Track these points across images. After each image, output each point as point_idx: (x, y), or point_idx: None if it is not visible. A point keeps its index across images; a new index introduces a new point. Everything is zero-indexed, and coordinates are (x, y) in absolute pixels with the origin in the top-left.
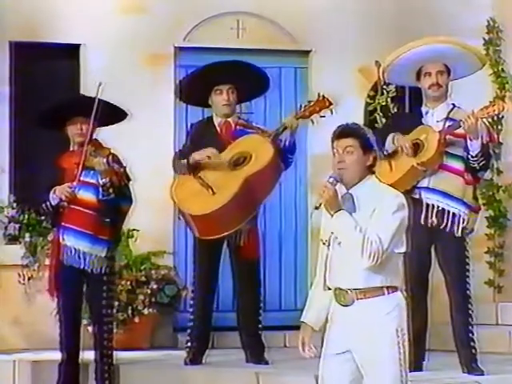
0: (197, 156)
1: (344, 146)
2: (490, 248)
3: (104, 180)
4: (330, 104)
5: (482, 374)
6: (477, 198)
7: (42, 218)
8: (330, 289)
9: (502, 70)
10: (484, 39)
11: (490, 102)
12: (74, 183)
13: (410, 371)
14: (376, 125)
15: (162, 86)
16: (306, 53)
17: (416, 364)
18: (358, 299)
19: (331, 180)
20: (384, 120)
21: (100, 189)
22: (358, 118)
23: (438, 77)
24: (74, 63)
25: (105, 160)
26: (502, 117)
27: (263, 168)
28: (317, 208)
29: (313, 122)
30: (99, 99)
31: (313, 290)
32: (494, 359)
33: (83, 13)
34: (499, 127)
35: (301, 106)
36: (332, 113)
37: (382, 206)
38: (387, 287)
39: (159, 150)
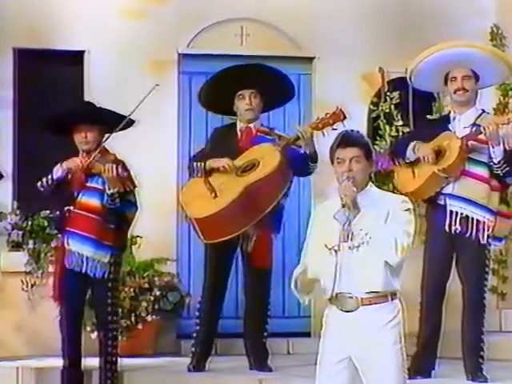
0: (212, 164)
1: (351, 155)
2: (494, 255)
3: (112, 190)
4: (345, 117)
5: (486, 382)
6: (508, 204)
7: (46, 224)
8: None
9: None
10: None
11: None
12: (86, 159)
13: (418, 377)
14: (380, 132)
15: (165, 92)
16: (310, 59)
17: (425, 370)
18: (362, 305)
19: (347, 180)
20: (387, 127)
21: (106, 197)
22: (362, 125)
23: (464, 82)
24: (77, 69)
25: (114, 167)
26: None
27: (266, 176)
28: (344, 206)
29: (324, 135)
30: (107, 109)
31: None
32: (497, 366)
33: (87, 19)
34: None
35: (318, 117)
36: (344, 126)
37: (394, 210)
38: (391, 293)
39: (162, 156)
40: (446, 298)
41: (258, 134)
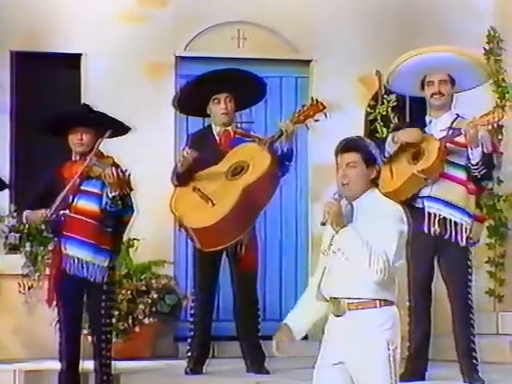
0: (180, 167)
1: (347, 161)
2: (491, 257)
3: (114, 193)
4: (324, 107)
5: None
6: (481, 208)
7: (43, 227)
8: (326, 300)
9: (503, 79)
10: (484, 49)
11: (490, 110)
12: (50, 211)
13: (413, 380)
14: (377, 134)
15: (162, 95)
16: (307, 62)
17: (418, 373)
18: (349, 309)
19: (336, 196)
20: (385, 129)
21: (107, 200)
22: (359, 128)
23: (441, 86)
24: (74, 72)
25: (114, 171)
26: (502, 126)
27: (261, 177)
28: (323, 224)
29: (308, 127)
30: (103, 113)
31: (304, 297)
32: (494, 369)
33: (84, 22)
34: (499, 137)
35: (294, 111)
36: (326, 116)
37: (382, 218)
38: (379, 300)
39: (160, 159)
40: (439, 300)
41: (237, 136)
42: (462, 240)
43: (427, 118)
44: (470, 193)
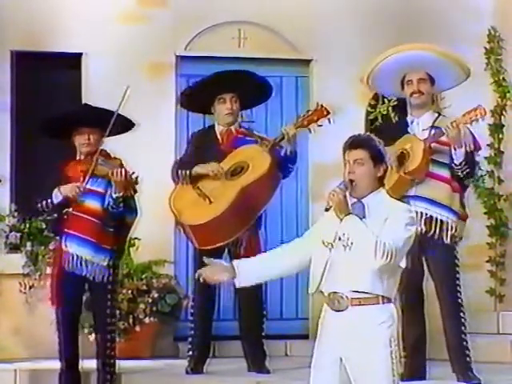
0: (199, 170)
1: (354, 157)
2: (491, 257)
3: (118, 194)
4: (328, 113)
5: (479, 383)
6: (464, 206)
7: (44, 226)
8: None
9: (503, 79)
10: (485, 48)
11: (472, 108)
12: (83, 184)
13: (413, 380)
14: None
15: (163, 94)
16: (307, 62)
17: (418, 372)
18: (352, 305)
19: (342, 186)
20: None
21: (110, 200)
22: (359, 127)
23: (420, 84)
24: (75, 72)
25: (123, 171)
26: (503, 125)
27: (260, 177)
28: (327, 210)
29: (310, 131)
30: (109, 110)
31: (276, 251)
32: (494, 368)
33: (85, 22)
34: (500, 136)
35: (299, 115)
36: (330, 122)
37: (394, 217)
38: (383, 297)
39: (160, 159)
40: (432, 298)
41: (239, 135)
42: (446, 238)
43: (409, 118)
44: (454, 191)
